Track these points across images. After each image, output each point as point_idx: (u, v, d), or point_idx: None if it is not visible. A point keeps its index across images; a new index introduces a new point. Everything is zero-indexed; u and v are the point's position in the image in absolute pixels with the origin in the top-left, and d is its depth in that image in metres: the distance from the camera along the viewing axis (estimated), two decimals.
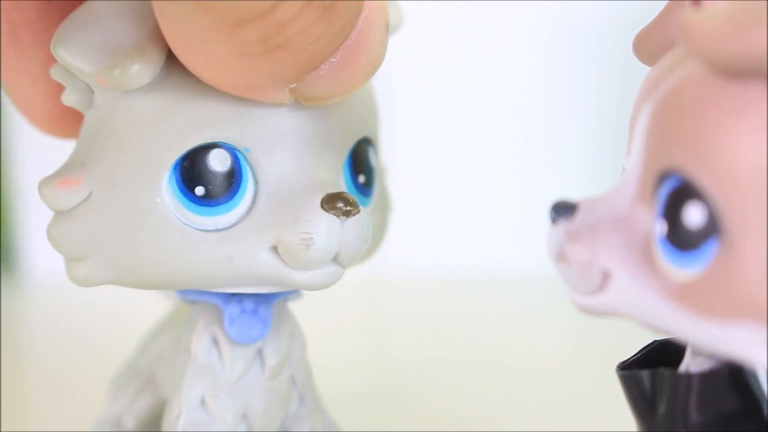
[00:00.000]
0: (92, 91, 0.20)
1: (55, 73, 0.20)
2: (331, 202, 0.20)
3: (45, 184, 0.20)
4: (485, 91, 0.51)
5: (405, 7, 0.23)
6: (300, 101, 0.20)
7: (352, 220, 0.20)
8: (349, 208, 0.20)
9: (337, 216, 0.20)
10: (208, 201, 0.20)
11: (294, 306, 0.24)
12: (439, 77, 0.51)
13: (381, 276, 0.48)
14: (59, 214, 0.21)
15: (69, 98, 0.21)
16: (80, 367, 0.39)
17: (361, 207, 0.20)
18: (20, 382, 0.39)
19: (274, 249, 0.20)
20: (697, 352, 0.17)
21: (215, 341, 0.22)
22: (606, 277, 0.16)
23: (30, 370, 0.41)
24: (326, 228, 0.20)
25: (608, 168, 0.49)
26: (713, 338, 0.15)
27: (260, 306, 0.22)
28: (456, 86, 0.51)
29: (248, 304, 0.22)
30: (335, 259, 0.20)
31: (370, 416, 0.34)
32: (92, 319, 0.44)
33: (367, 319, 0.47)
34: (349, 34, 0.19)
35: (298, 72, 0.19)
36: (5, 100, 0.51)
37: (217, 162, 0.20)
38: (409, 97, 0.50)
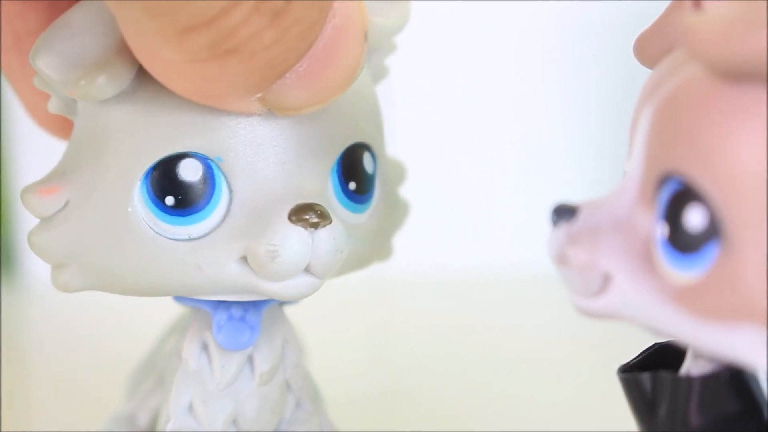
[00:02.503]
0: (74, 100, 0.21)
1: (37, 83, 0.21)
2: (299, 213, 0.19)
3: (27, 191, 0.21)
4: (486, 92, 0.51)
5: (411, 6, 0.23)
6: (272, 111, 0.20)
7: (323, 231, 0.20)
8: (317, 219, 0.19)
9: (305, 228, 0.19)
10: (180, 211, 0.20)
11: (293, 306, 0.24)
12: (440, 77, 0.51)
13: (381, 276, 0.48)
14: (41, 221, 0.21)
15: (54, 106, 0.21)
16: (80, 368, 0.39)
17: (334, 218, 0.20)
18: (20, 382, 0.39)
19: (244, 259, 0.20)
20: (697, 355, 0.17)
21: (205, 347, 0.22)
22: (607, 279, 0.16)
23: (30, 371, 0.41)
24: (293, 240, 0.19)
25: (609, 170, 0.49)
26: (713, 341, 0.15)
27: (248, 313, 0.22)
28: (457, 87, 0.51)
29: (236, 311, 0.22)
30: (308, 270, 0.20)
31: (370, 416, 0.34)
32: (92, 321, 0.44)
33: (367, 320, 0.47)
34: (312, 42, 0.19)
35: (257, 80, 0.19)
36: (5, 102, 0.51)
37: (188, 172, 0.20)
38: (410, 98, 0.50)
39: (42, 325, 0.47)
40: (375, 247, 0.23)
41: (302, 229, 0.19)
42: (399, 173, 0.24)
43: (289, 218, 0.19)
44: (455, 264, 0.51)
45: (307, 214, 0.19)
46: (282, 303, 0.23)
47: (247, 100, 0.19)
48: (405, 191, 0.24)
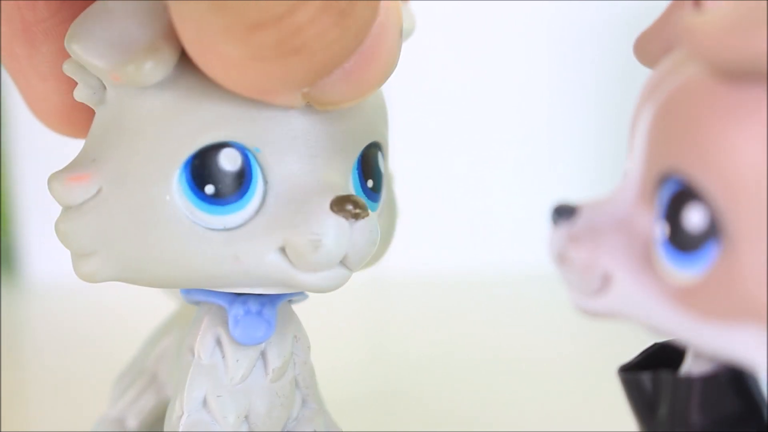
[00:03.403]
0: (104, 88, 0.21)
1: (68, 69, 0.20)
2: (340, 204, 0.20)
3: (54, 179, 0.20)
4: (486, 92, 0.51)
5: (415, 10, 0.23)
6: (312, 105, 0.20)
7: (361, 222, 0.20)
8: (358, 210, 0.20)
9: (346, 218, 0.20)
10: (218, 200, 0.20)
11: (295, 306, 0.24)
12: (440, 77, 0.51)
13: (381, 276, 0.48)
14: (68, 209, 0.21)
15: (81, 94, 0.21)
16: (80, 367, 0.39)
17: (369, 210, 0.20)
18: (20, 382, 0.39)
19: (282, 250, 0.20)
20: (698, 355, 0.17)
21: (219, 342, 0.22)
22: (607, 279, 0.16)
23: (30, 371, 0.41)
24: (335, 230, 0.20)
25: (609, 170, 0.49)
26: (713, 340, 0.15)
27: (265, 307, 0.22)
28: (456, 87, 0.51)
29: (253, 305, 0.22)
30: (343, 262, 0.20)
31: (370, 417, 0.34)
32: (92, 320, 0.44)
33: (367, 320, 0.47)
34: (363, 39, 0.19)
35: (311, 76, 0.19)
36: (6, 103, 0.51)
37: (228, 161, 0.20)
38: (409, 98, 0.50)
39: (42, 325, 0.47)
40: (384, 245, 0.23)
41: (343, 220, 0.20)
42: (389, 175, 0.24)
43: (331, 208, 0.20)
44: (455, 264, 0.51)
45: (348, 204, 0.20)
46: (292, 300, 0.23)
47: (293, 94, 0.19)
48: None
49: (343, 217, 0.20)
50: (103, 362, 0.38)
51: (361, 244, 0.20)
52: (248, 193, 0.20)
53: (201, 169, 0.20)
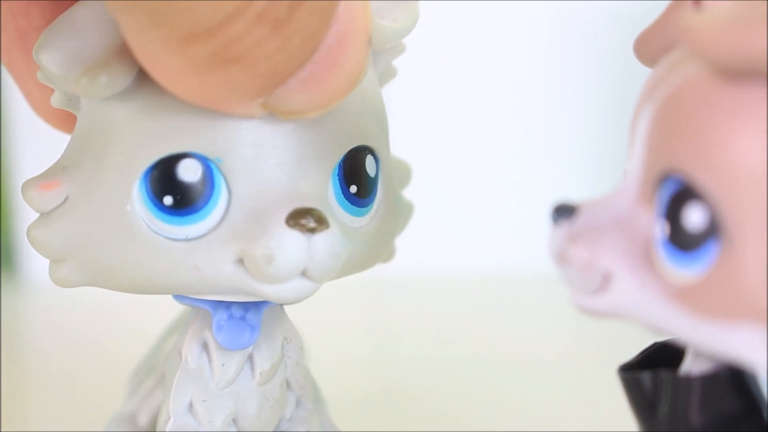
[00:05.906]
0: (77, 95, 0.21)
1: (41, 77, 0.20)
2: (296, 218, 0.19)
3: (27, 185, 0.21)
4: (486, 92, 0.51)
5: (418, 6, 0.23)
6: (275, 115, 0.20)
7: (320, 236, 0.19)
8: (314, 224, 0.19)
9: (302, 232, 0.19)
10: (178, 210, 0.20)
11: (294, 306, 0.23)
12: (440, 77, 0.51)
13: (381, 276, 0.48)
14: (40, 216, 0.21)
15: (57, 101, 0.21)
16: (80, 367, 0.39)
17: (330, 223, 0.20)
18: (20, 382, 0.39)
19: (241, 261, 0.20)
20: (698, 354, 0.17)
21: (205, 346, 0.22)
22: (607, 278, 0.16)
23: (30, 370, 0.41)
24: (289, 244, 0.19)
25: (609, 169, 0.49)
26: (713, 340, 0.15)
27: (249, 312, 0.22)
28: (457, 86, 0.51)
29: (236, 311, 0.22)
30: (304, 274, 0.20)
31: (370, 416, 0.34)
32: (92, 320, 0.44)
33: (367, 319, 0.47)
34: (315, 48, 0.19)
35: (260, 86, 0.19)
36: (6, 102, 0.51)
37: (187, 172, 0.20)
38: (409, 97, 0.50)
39: (42, 324, 0.47)
40: (377, 250, 0.22)
41: (299, 234, 0.19)
42: (404, 173, 0.24)
43: (287, 222, 0.19)
44: (455, 264, 0.51)
45: (304, 218, 0.19)
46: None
47: (250, 104, 0.19)
48: (405, 191, 0.24)
49: (299, 231, 0.19)
50: (103, 362, 0.39)
51: (321, 257, 0.20)
52: (209, 204, 0.20)
53: (159, 179, 0.20)
